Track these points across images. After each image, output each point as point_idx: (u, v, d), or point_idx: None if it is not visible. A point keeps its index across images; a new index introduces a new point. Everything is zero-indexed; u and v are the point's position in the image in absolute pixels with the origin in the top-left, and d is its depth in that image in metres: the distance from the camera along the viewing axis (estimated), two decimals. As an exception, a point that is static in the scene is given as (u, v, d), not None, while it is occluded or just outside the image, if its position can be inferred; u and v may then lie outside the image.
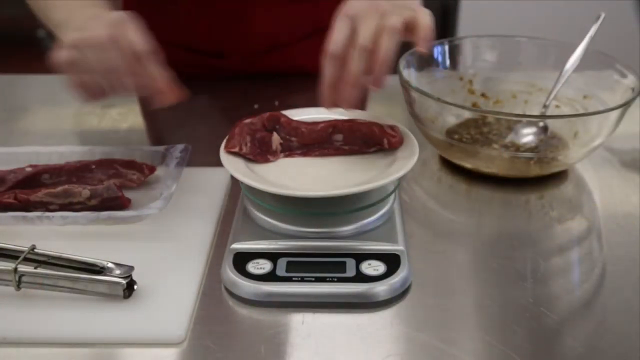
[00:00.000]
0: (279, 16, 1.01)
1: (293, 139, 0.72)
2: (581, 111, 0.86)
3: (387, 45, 0.64)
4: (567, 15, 1.88)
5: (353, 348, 0.56)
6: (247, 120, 0.72)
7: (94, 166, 0.75)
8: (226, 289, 0.62)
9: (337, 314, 0.59)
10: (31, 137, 0.91)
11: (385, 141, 0.70)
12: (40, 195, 0.70)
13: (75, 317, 0.58)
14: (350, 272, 0.61)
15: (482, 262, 0.67)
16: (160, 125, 0.96)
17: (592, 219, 0.75)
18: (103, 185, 0.68)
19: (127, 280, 0.59)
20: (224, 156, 0.69)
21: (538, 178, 0.80)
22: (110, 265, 0.60)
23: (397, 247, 0.64)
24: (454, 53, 0.93)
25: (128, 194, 0.73)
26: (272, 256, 0.63)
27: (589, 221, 0.75)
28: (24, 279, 0.59)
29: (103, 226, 0.69)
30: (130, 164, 0.75)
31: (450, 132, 0.85)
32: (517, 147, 0.81)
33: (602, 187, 0.80)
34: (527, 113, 0.89)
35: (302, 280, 0.60)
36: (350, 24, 0.65)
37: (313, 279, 0.60)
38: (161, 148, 0.78)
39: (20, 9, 0.92)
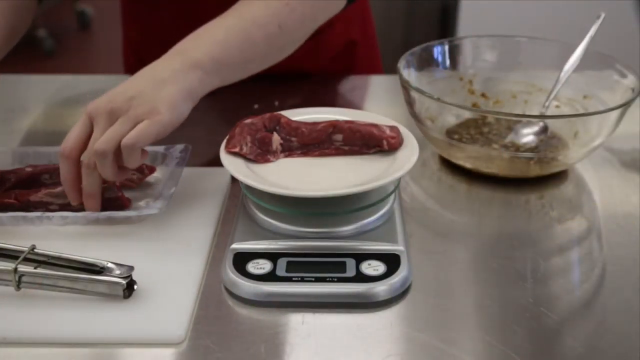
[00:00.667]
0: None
1: (293, 139, 0.72)
2: (581, 111, 0.86)
3: (99, 166, 0.65)
4: (567, 15, 1.88)
5: (353, 348, 0.56)
6: (248, 121, 0.72)
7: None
8: (226, 289, 0.62)
9: (337, 314, 0.59)
10: (31, 137, 0.91)
11: (385, 143, 0.70)
12: (40, 195, 0.70)
13: (75, 317, 0.58)
14: (350, 272, 0.61)
15: (482, 262, 0.67)
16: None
17: (592, 219, 0.75)
18: (103, 186, 0.68)
19: (127, 280, 0.59)
20: (224, 156, 0.69)
21: (538, 178, 0.80)
22: (110, 265, 0.60)
23: (397, 247, 0.64)
24: (454, 53, 0.93)
25: (128, 194, 0.73)
26: (272, 256, 0.63)
27: (589, 221, 0.75)
28: (24, 279, 0.59)
29: (103, 226, 0.69)
30: None
31: (450, 132, 0.85)
32: (517, 147, 0.81)
33: (602, 187, 0.80)
34: (527, 113, 0.89)
35: (302, 280, 0.60)
36: (89, 124, 0.67)
37: (313, 279, 0.60)
38: (161, 148, 0.78)
39: (20, 9, 0.92)
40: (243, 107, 0.95)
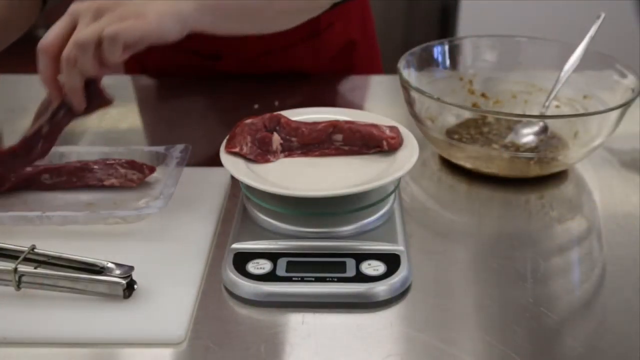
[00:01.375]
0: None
1: (293, 139, 0.72)
2: (581, 111, 0.86)
3: (80, 60, 0.64)
4: (567, 15, 1.88)
5: (353, 348, 0.56)
6: (248, 121, 0.72)
7: (94, 166, 0.75)
8: (226, 289, 0.62)
9: (337, 314, 0.59)
10: (31, 137, 0.91)
11: (385, 143, 0.70)
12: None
13: (75, 317, 0.58)
14: (350, 272, 0.61)
15: (482, 262, 0.67)
16: (160, 125, 0.96)
17: (592, 219, 0.75)
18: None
19: (127, 280, 0.59)
20: (224, 156, 0.69)
21: (538, 178, 0.80)
22: (110, 265, 0.60)
23: (397, 247, 0.64)
24: (454, 53, 0.93)
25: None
26: (272, 256, 0.63)
27: (589, 221, 0.75)
28: (24, 279, 0.59)
29: (103, 226, 0.69)
30: (130, 164, 0.75)
31: (450, 132, 0.85)
32: (517, 147, 0.81)
33: (602, 187, 0.80)
34: (527, 113, 0.89)
35: (302, 280, 0.60)
36: (70, 21, 0.66)
37: (313, 279, 0.60)
38: (161, 148, 0.78)
39: (20, 9, 0.92)
40: (243, 107, 0.95)
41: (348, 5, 1.08)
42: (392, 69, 0.92)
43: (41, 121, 0.70)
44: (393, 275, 0.61)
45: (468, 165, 0.81)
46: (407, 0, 2.50)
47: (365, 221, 0.67)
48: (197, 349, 0.56)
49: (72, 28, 0.66)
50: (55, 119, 0.70)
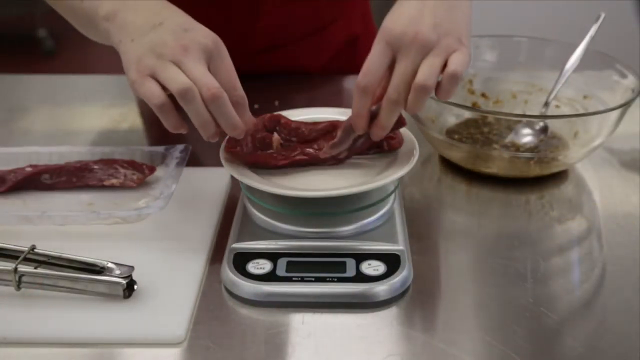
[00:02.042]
0: (279, 15, 1.01)
1: (293, 139, 0.72)
2: (581, 111, 0.86)
3: (415, 103, 0.61)
4: (567, 15, 1.88)
5: (353, 348, 0.56)
6: (248, 121, 0.72)
7: (94, 166, 0.75)
8: (226, 289, 0.62)
9: (337, 314, 0.59)
10: (31, 137, 0.91)
11: (385, 144, 0.70)
12: None
13: (75, 317, 0.58)
14: (350, 272, 0.61)
15: (482, 262, 0.67)
16: (160, 125, 0.96)
17: (592, 219, 0.75)
18: None
19: (127, 280, 0.59)
20: (224, 156, 0.69)
21: (538, 178, 0.80)
22: (110, 265, 0.60)
23: (397, 247, 0.64)
24: (454, 53, 0.93)
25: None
26: (272, 256, 0.63)
27: (589, 221, 0.75)
28: (24, 279, 0.59)
29: (103, 226, 0.69)
30: (130, 164, 0.75)
31: (450, 132, 0.85)
32: (517, 147, 0.81)
33: (602, 187, 0.80)
34: (527, 113, 0.89)
35: (302, 280, 0.60)
36: (390, 54, 0.62)
37: (313, 279, 0.60)
38: (161, 148, 0.78)
39: (20, 9, 0.92)
40: (243, 107, 0.95)
41: (350, 1, 1.08)
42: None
43: (342, 147, 0.69)
44: (393, 275, 0.61)
45: (468, 165, 0.81)
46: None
47: (365, 221, 0.67)
48: (197, 349, 0.56)
49: (392, 60, 0.62)
50: (355, 145, 0.69)
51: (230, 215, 0.71)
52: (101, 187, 0.74)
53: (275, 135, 0.71)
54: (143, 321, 0.57)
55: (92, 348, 0.56)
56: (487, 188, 0.79)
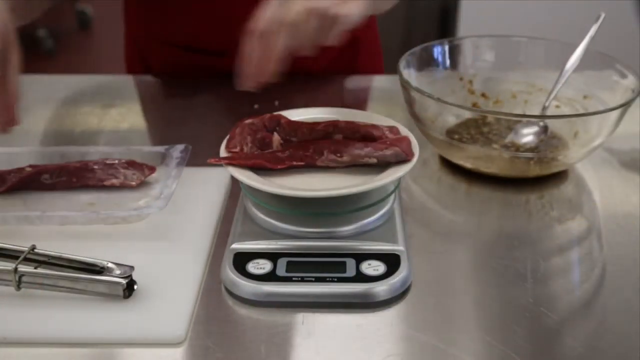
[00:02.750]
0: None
1: (293, 139, 0.72)
2: (581, 111, 0.86)
3: (313, 27, 0.65)
4: (567, 15, 1.88)
5: (353, 348, 0.56)
6: (248, 121, 0.72)
7: (94, 166, 0.75)
8: (226, 289, 0.62)
9: (337, 314, 0.59)
10: (31, 137, 0.91)
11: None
12: None
13: (75, 317, 0.58)
14: (350, 272, 0.61)
15: (482, 262, 0.67)
16: (160, 125, 0.96)
17: (592, 219, 0.75)
18: None
19: (127, 280, 0.59)
20: (224, 156, 0.69)
21: (538, 178, 0.80)
22: (110, 265, 0.60)
23: (397, 247, 0.64)
24: (454, 53, 0.93)
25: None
26: (272, 256, 0.63)
27: (589, 221, 0.75)
28: (24, 279, 0.59)
29: (103, 226, 0.69)
30: (130, 164, 0.75)
31: (450, 132, 0.85)
32: (517, 147, 0.81)
33: (602, 187, 0.80)
34: (527, 113, 0.89)
35: (302, 280, 0.60)
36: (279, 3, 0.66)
37: (313, 279, 0.60)
38: (161, 148, 0.78)
39: (20, 9, 0.92)
40: (243, 107, 0.95)
41: None
42: (392, 69, 0.92)
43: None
44: (393, 275, 0.61)
45: (468, 165, 0.81)
46: (407, 0, 2.50)
47: (365, 221, 0.67)
48: (197, 349, 0.56)
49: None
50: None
51: (230, 215, 0.71)
52: (101, 187, 0.74)
53: (275, 135, 0.71)
54: (143, 321, 0.57)
55: (92, 348, 0.56)
56: (487, 188, 0.79)
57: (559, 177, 0.81)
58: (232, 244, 0.65)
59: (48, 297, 0.59)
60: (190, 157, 0.76)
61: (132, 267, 0.60)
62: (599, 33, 0.85)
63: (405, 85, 0.81)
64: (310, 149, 0.69)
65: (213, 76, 1.03)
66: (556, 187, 0.79)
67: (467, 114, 0.88)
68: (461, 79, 0.93)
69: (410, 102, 0.82)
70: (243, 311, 0.60)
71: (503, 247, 0.69)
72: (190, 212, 0.71)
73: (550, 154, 0.80)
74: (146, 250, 0.66)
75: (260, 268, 0.62)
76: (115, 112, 0.97)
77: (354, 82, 1.09)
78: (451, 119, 0.87)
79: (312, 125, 0.72)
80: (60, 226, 0.68)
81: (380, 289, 0.60)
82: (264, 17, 0.66)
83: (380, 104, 1.01)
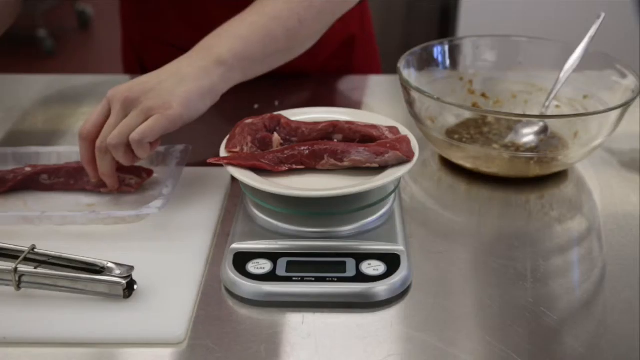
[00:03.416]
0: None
1: (293, 139, 0.72)
2: (581, 111, 0.86)
3: (113, 155, 0.69)
4: (567, 15, 1.88)
5: (353, 348, 0.56)
6: (248, 121, 0.72)
7: None
8: (226, 289, 0.62)
9: (337, 314, 0.59)
10: (31, 137, 0.91)
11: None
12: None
13: (75, 317, 0.58)
14: (350, 272, 0.61)
15: (482, 262, 0.67)
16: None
17: (592, 219, 0.75)
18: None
19: (127, 280, 0.59)
20: (224, 156, 0.69)
21: (538, 178, 0.80)
22: (110, 265, 0.60)
23: (397, 247, 0.64)
24: (454, 53, 0.93)
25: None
26: (272, 256, 0.63)
27: (589, 221, 0.75)
28: (24, 279, 0.59)
29: (103, 226, 0.69)
30: (128, 168, 0.75)
31: (450, 132, 0.85)
32: (517, 147, 0.81)
33: (602, 187, 0.80)
34: (527, 113, 0.89)
35: (302, 280, 0.60)
36: (108, 109, 0.70)
37: (313, 279, 0.60)
38: (161, 148, 0.78)
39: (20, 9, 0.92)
40: (243, 107, 0.95)
41: None
42: (392, 69, 0.92)
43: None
44: (393, 275, 0.61)
45: (468, 165, 0.81)
46: (407, 0, 2.50)
47: (365, 221, 0.67)
48: (197, 349, 0.56)
49: (108, 113, 0.70)
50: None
51: (230, 215, 0.71)
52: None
53: (275, 135, 0.71)
54: (143, 321, 0.57)
55: (92, 348, 0.56)
56: (487, 188, 0.79)
57: (559, 177, 0.81)
58: (232, 244, 0.65)
59: (48, 297, 0.59)
60: (190, 157, 0.76)
61: (132, 267, 0.60)
62: (599, 33, 0.85)
63: (405, 85, 0.81)
64: (310, 152, 0.68)
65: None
66: (556, 187, 0.79)
67: (467, 114, 0.88)
68: (461, 79, 0.93)
69: (410, 102, 0.82)
70: (243, 311, 0.60)
71: (503, 247, 0.69)
72: (190, 212, 0.71)
73: (550, 154, 0.80)
74: (146, 250, 0.66)
75: (260, 268, 0.62)
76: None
77: (354, 82, 1.09)
78: (451, 119, 0.87)
79: (312, 125, 0.72)
80: (60, 226, 0.68)
81: (380, 289, 0.60)
82: (89, 121, 0.70)
83: (380, 104, 1.01)
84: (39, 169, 0.75)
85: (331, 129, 0.72)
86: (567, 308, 0.61)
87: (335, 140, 0.71)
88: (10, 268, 0.59)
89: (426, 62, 0.90)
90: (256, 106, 0.95)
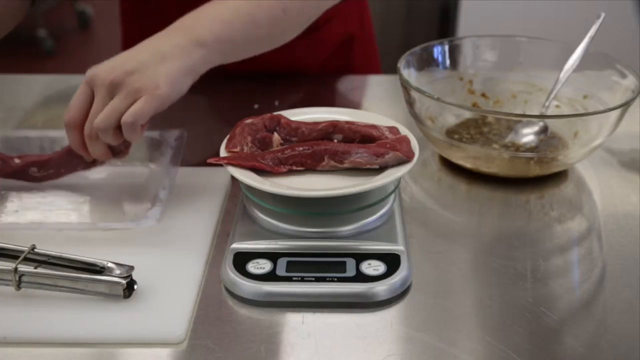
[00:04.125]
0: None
1: (293, 139, 0.72)
2: (581, 111, 0.86)
3: (102, 140, 0.68)
4: (567, 15, 1.88)
5: (353, 348, 0.56)
6: (248, 121, 0.72)
7: None
8: (226, 289, 0.62)
9: (337, 314, 0.59)
10: (31, 136, 0.91)
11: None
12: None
13: (75, 317, 0.58)
14: (350, 272, 0.61)
15: (482, 262, 0.67)
16: (159, 125, 0.96)
17: (592, 219, 0.75)
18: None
19: (127, 280, 0.59)
20: (224, 156, 0.69)
21: (538, 178, 0.80)
22: (110, 265, 0.60)
23: (397, 247, 0.64)
24: (454, 53, 0.93)
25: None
26: (272, 256, 0.63)
27: (589, 221, 0.75)
28: (24, 279, 0.59)
29: (103, 226, 0.69)
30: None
31: (450, 132, 0.85)
32: (517, 147, 0.81)
33: (602, 187, 0.80)
34: (527, 113, 0.89)
35: (302, 280, 0.60)
36: (89, 93, 0.68)
37: (313, 279, 0.60)
38: (156, 133, 0.77)
39: (20, 9, 0.92)
40: (243, 107, 0.95)
41: (346, 1, 1.08)
42: (391, 69, 0.92)
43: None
44: (393, 275, 0.61)
45: (468, 165, 0.81)
46: (407, 0, 2.50)
47: (365, 221, 0.67)
48: (197, 349, 0.56)
49: (91, 98, 0.68)
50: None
51: (230, 216, 0.71)
52: (93, 182, 0.74)
53: (275, 135, 0.71)
54: (143, 321, 0.57)
55: (92, 348, 0.56)
56: (487, 188, 0.79)
57: (559, 177, 0.81)
58: (232, 243, 0.65)
59: (48, 297, 0.59)
60: (189, 156, 0.76)
61: (132, 267, 0.60)
62: (599, 33, 0.85)
63: (405, 85, 0.81)
64: (311, 153, 0.68)
65: (212, 76, 1.03)
66: (556, 187, 0.79)
67: (467, 114, 0.88)
68: (461, 79, 0.93)
69: (410, 102, 0.82)
70: (243, 311, 0.60)
71: (503, 247, 0.69)
72: (190, 212, 0.71)
73: (550, 154, 0.80)
74: (146, 250, 0.66)
75: (260, 268, 0.62)
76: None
77: (354, 81, 1.09)
78: (451, 119, 0.87)
79: (312, 125, 0.72)
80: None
81: (380, 288, 0.60)
82: (73, 106, 0.69)
83: (380, 103, 1.01)
84: (27, 162, 0.74)
85: (331, 129, 0.72)
86: (567, 308, 0.61)
87: (335, 141, 0.71)
88: (10, 268, 0.59)
89: (426, 62, 0.90)
90: (256, 106, 0.95)
